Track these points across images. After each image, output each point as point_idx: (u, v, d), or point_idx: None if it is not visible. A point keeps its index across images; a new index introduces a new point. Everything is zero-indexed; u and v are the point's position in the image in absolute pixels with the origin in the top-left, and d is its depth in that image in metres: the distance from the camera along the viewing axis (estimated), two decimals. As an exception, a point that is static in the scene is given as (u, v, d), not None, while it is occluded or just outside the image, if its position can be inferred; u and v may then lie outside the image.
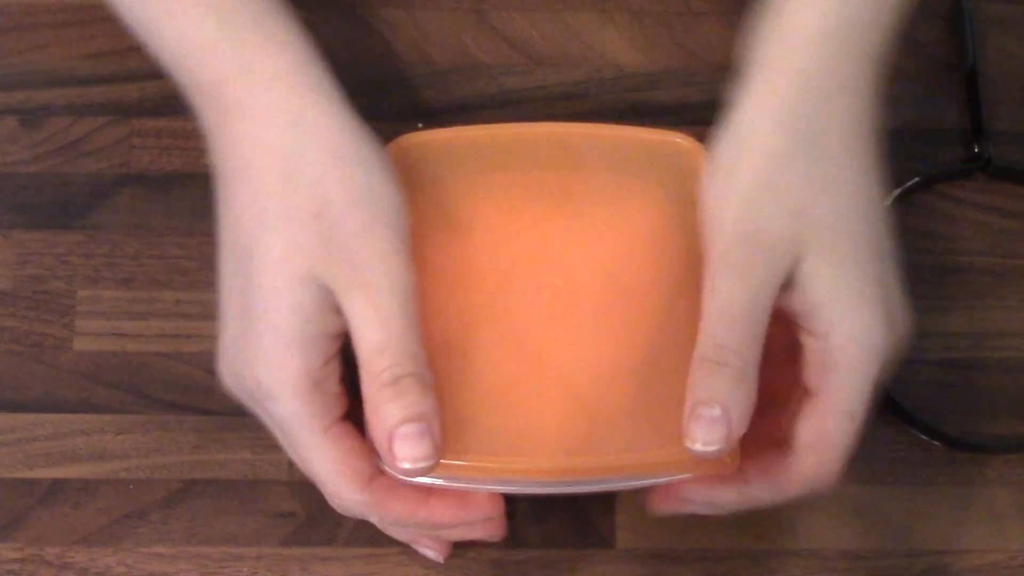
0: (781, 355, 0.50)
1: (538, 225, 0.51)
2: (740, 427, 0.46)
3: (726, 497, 0.49)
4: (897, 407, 0.57)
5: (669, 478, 0.50)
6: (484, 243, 0.51)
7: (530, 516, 0.56)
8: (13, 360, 0.57)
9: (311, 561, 0.56)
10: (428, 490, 0.49)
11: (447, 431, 0.47)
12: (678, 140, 0.52)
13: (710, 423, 0.45)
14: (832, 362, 0.47)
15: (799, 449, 0.48)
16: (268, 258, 0.46)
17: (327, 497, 0.49)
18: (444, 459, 0.47)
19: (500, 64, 0.61)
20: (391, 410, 0.45)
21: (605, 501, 0.56)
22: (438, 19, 0.62)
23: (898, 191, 0.59)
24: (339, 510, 0.50)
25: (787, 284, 0.47)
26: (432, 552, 0.55)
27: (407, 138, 0.53)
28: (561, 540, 0.56)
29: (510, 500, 0.55)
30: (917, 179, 0.60)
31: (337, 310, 0.46)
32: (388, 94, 0.61)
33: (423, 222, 0.51)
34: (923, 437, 0.57)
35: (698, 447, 0.46)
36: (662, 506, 0.51)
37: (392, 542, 0.55)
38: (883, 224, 0.48)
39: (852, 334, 0.46)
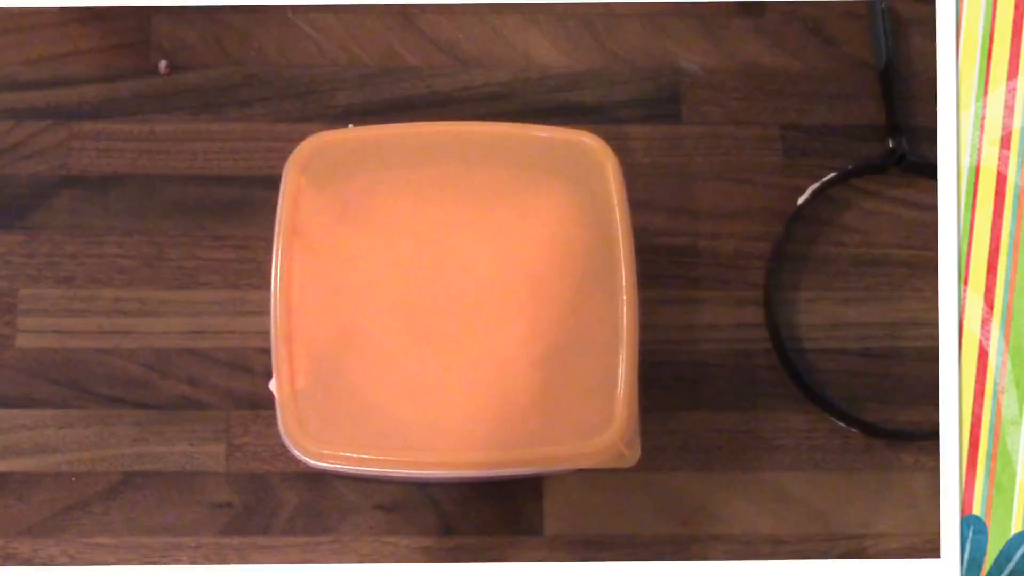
0: None
1: (446, 220, 0.52)
2: None
3: None
4: (816, 395, 0.58)
5: (572, 467, 0.51)
6: (392, 238, 0.52)
7: (460, 505, 0.57)
8: (-43, 357, 0.59)
9: (248, 550, 0.57)
10: None
11: (355, 421, 0.49)
12: (584, 139, 0.53)
13: None
14: None
15: None
16: None
17: None
18: (354, 450, 0.48)
19: (428, 66, 0.62)
20: None
21: (534, 490, 0.57)
22: (367, 23, 0.62)
23: (815, 186, 0.60)
24: None
25: None
26: None
27: (317, 137, 0.54)
28: (491, 528, 0.57)
29: (443, 489, 0.57)
30: (834, 174, 0.61)
31: None
32: (319, 95, 0.62)
33: (332, 218, 0.52)
34: (841, 424, 0.59)
35: None
36: None
37: (327, 531, 0.57)
38: None
39: None
